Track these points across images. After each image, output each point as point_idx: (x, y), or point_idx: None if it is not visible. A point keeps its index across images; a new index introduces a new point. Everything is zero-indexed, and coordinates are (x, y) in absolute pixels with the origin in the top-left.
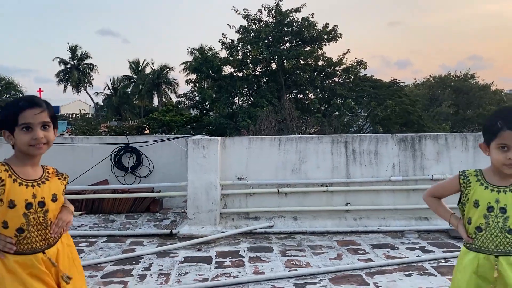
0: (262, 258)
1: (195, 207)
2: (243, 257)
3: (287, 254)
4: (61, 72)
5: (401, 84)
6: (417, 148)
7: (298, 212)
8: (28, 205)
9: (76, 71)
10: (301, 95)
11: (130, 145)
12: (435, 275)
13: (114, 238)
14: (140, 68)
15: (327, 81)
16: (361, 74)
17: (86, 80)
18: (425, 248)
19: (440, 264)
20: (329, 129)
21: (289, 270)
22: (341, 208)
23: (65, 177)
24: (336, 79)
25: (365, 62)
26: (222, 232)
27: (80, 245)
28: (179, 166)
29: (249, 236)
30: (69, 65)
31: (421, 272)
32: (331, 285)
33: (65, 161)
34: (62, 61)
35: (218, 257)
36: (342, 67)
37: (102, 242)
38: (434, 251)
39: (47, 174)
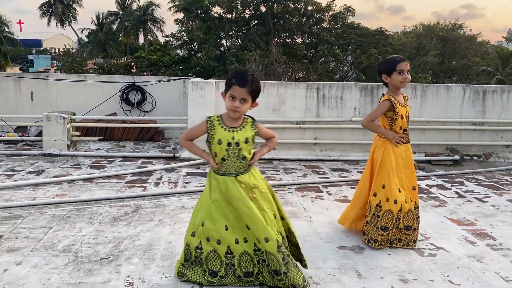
0: None
1: None
2: None
3: (265, 173)
4: (44, 4)
5: (387, 32)
6: (375, 94)
7: (277, 143)
8: None
9: (60, 5)
10: (289, 40)
11: (136, 83)
12: None
13: (128, 158)
14: (126, 3)
15: (315, 27)
16: (349, 21)
17: (70, 15)
18: None
19: None
20: (314, 75)
21: None
22: (311, 141)
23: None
24: (324, 25)
25: (353, 9)
26: None
27: (101, 162)
28: (177, 103)
29: None
30: None
31: None
32: (295, 191)
33: (79, 95)
34: None
35: None
36: (330, 13)
37: (119, 161)
38: None
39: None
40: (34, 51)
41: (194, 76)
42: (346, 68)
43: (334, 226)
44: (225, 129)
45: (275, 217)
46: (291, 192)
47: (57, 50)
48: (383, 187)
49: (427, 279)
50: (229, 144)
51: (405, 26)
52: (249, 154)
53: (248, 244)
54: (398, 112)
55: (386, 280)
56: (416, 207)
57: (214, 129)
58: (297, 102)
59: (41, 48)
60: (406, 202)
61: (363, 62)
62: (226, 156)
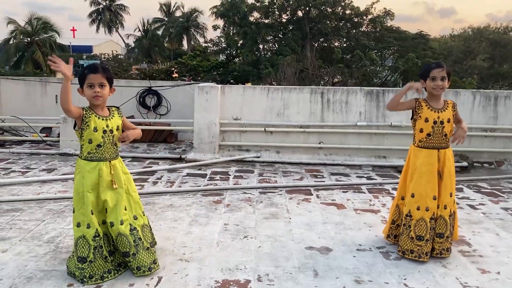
0: (243, 177)
1: (199, 139)
2: (230, 175)
3: (263, 175)
4: (93, 12)
5: (428, 36)
6: (380, 99)
7: (281, 147)
8: None
9: (108, 12)
10: (326, 44)
11: (152, 88)
12: (365, 193)
13: (137, 159)
14: (171, 10)
15: (353, 31)
16: (389, 24)
17: (117, 21)
18: (371, 177)
19: (374, 187)
20: (351, 79)
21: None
22: (315, 145)
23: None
24: (363, 29)
25: (393, 13)
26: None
27: None
28: (191, 107)
29: (239, 163)
30: (101, 6)
31: (356, 190)
32: (285, 193)
33: None
34: (93, 2)
35: (211, 174)
36: (369, 17)
37: (128, 161)
38: (376, 179)
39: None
40: (84, 57)
41: (232, 81)
42: (385, 72)
43: (310, 227)
44: (99, 117)
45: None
46: (281, 194)
47: (106, 56)
48: (412, 196)
49: (383, 281)
50: (104, 131)
51: (453, 29)
52: (119, 140)
53: (104, 226)
54: (420, 114)
55: (341, 280)
56: (432, 218)
57: (90, 117)
58: (301, 106)
59: (92, 53)
60: (418, 210)
61: (401, 66)
62: (102, 143)
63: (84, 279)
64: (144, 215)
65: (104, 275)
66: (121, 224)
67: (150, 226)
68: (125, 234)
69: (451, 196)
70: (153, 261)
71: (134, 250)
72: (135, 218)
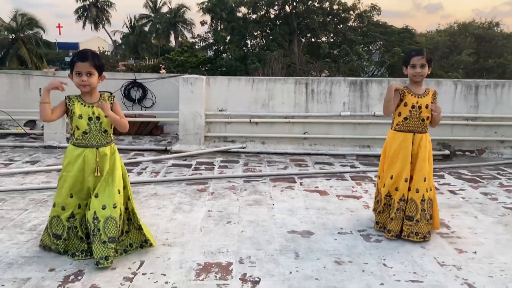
0: (228, 167)
1: (185, 130)
2: (215, 165)
3: (248, 165)
4: (79, 8)
5: (414, 30)
6: (364, 90)
7: (266, 138)
8: None
9: (94, 8)
10: (313, 39)
11: (137, 80)
12: (348, 180)
13: (122, 151)
14: (157, 6)
15: (340, 26)
16: (375, 19)
17: (104, 18)
18: (355, 166)
19: (357, 175)
20: (337, 74)
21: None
22: (300, 136)
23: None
24: (350, 24)
25: (379, 8)
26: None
27: None
28: (177, 99)
29: (225, 153)
30: (87, 2)
31: (339, 178)
32: (269, 182)
33: None
34: None
35: (197, 165)
36: (356, 12)
37: None
38: (359, 167)
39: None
40: (71, 54)
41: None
42: (372, 67)
43: (292, 213)
44: (84, 105)
45: (119, 192)
46: (265, 183)
47: None
48: (391, 178)
49: (362, 261)
50: (90, 118)
51: (439, 24)
52: (111, 127)
53: (89, 212)
54: (403, 100)
55: (321, 261)
56: (402, 200)
57: (73, 105)
58: (286, 97)
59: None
60: (396, 190)
61: (387, 60)
62: (88, 130)
63: (61, 252)
64: (115, 207)
65: (76, 253)
66: (114, 207)
67: (117, 220)
68: (115, 217)
69: (424, 181)
70: (104, 257)
71: (91, 239)
72: (104, 208)
